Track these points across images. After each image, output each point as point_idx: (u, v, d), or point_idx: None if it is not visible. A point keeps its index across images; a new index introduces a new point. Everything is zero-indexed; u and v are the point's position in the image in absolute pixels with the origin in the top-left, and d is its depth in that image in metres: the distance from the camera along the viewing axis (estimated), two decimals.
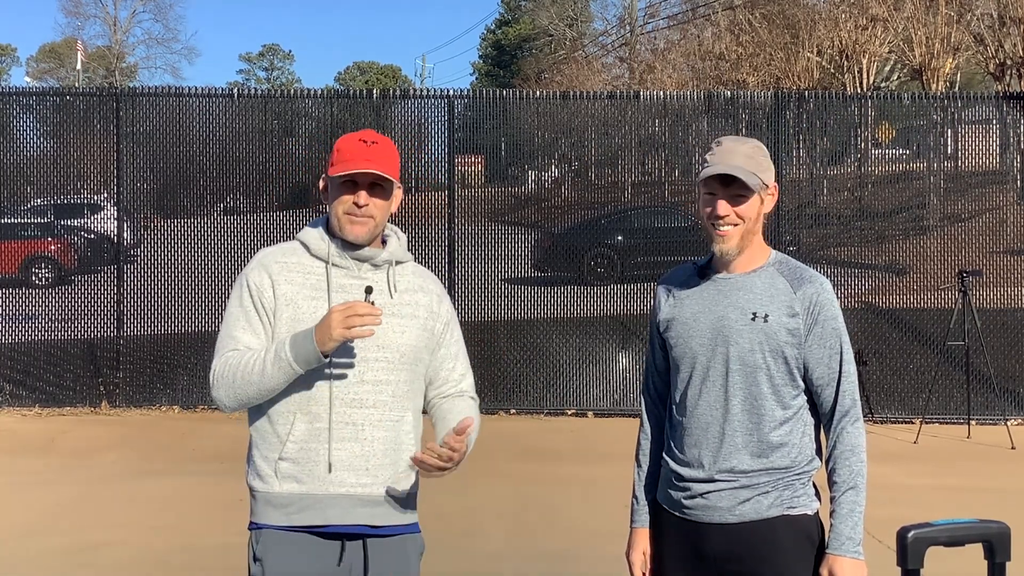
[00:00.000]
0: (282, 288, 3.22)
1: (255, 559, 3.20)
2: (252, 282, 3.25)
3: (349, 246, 3.24)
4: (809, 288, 3.19)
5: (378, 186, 3.22)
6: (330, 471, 3.15)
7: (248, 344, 3.20)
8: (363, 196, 3.19)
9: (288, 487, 3.17)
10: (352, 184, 3.20)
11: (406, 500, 3.26)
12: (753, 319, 3.17)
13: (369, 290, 3.18)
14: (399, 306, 3.27)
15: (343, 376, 3.17)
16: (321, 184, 3.33)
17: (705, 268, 3.32)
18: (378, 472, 3.19)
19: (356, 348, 3.17)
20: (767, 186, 3.22)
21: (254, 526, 3.24)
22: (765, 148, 3.31)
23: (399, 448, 3.23)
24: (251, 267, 3.29)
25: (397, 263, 3.33)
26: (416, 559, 3.33)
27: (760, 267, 3.25)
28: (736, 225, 3.18)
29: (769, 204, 3.25)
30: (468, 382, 3.42)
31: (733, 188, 3.17)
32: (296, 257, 3.27)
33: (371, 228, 3.23)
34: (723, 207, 3.18)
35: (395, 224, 3.41)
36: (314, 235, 3.29)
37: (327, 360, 3.11)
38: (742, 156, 3.19)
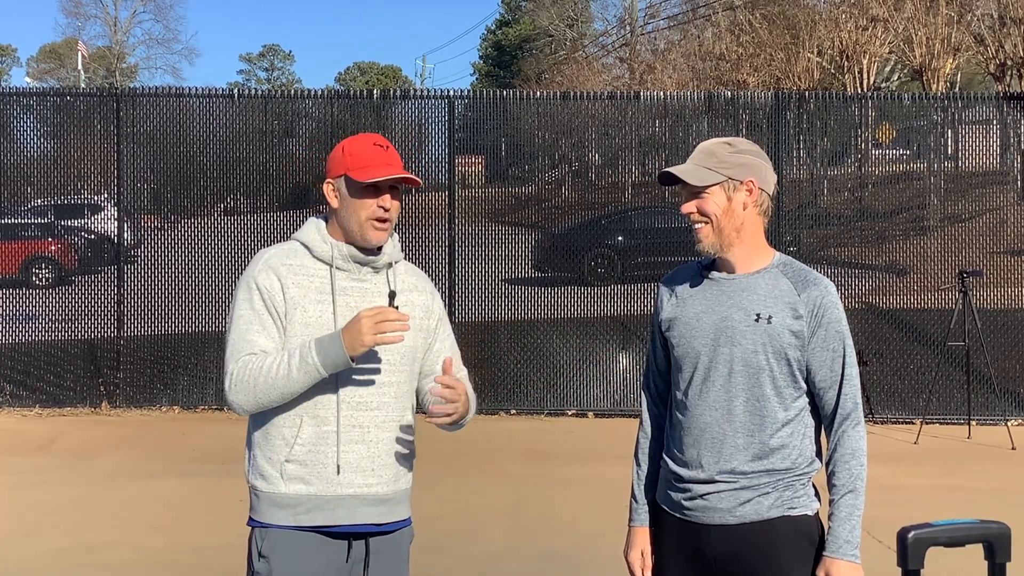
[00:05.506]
0: (291, 291, 3.22)
1: (260, 556, 3.22)
2: (262, 284, 3.21)
3: (362, 250, 3.26)
4: (814, 291, 3.18)
5: (395, 189, 3.27)
6: (338, 473, 3.20)
7: (264, 348, 3.18)
8: (388, 200, 3.24)
9: (295, 488, 3.20)
10: (374, 189, 3.23)
11: (404, 496, 3.35)
12: (757, 320, 3.17)
13: (393, 295, 3.24)
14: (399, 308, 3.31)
15: (348, 379, 3.20)
16: (328, 188, 3.29)
17: (708, 268, 3.32)
18: (383, 472, 3.26)
19: None
20: (736, 181, 3.19)
21: (257, 524, 3.26)
22: (744, 143, 3.28)
23: (401, 447, 3.31)
24: (257, 269, 3.25)
25: (392, 264, 3.36)
26: (408, 548, 3.42)
27: (764, 268, 3.25)
28: (705, 223, 3.21)
29: (746, 199, 3.21)
30: (463, 374, 3.46)
31: (691, 187, 3.22)
32: (299, 259, 3.27)
33: (390, 231, 3.29)
34: (685, 206, 3.25)
35: (396, 224, 3.44)
36: (316, 237, 3.29)
37: (353, 364, 3.14)
38: (701, 154, 3.24)
